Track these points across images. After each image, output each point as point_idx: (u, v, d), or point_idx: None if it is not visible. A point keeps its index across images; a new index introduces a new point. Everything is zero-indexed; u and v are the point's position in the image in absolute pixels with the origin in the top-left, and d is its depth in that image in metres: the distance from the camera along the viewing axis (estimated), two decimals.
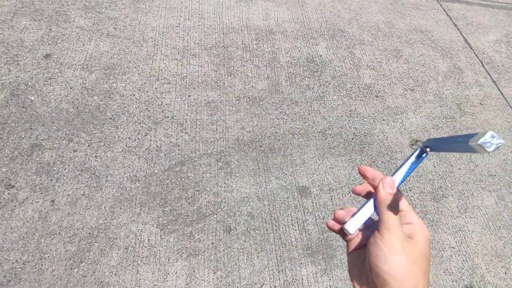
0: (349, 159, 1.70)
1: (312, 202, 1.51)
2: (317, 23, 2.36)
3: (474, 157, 1.86)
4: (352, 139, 1.79)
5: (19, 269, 1.14)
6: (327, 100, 1.93)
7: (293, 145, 1.69)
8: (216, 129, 1.65)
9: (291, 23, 2.30)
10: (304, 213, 1.47)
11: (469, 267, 1.46)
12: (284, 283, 1.28)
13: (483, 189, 1.74)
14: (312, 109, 1.86)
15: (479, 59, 2.44)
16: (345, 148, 1.74)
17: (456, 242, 1.52)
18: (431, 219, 1.58)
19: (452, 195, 1.68)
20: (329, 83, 2.01)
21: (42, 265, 1.16)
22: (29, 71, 1.60)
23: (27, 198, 1.27)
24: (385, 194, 0.34)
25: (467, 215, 1.62)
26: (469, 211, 1.64)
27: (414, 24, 2.59)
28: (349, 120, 1.86)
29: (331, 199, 1.54)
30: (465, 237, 1.55)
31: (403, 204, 0.36)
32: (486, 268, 1.47)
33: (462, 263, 1.46)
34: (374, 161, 1.72)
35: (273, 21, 2.27)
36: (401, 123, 1.93)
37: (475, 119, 2.06)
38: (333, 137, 1.77)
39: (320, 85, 1.99)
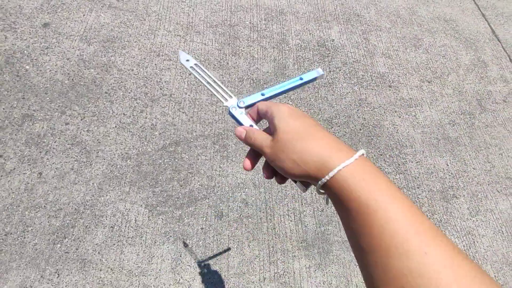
0: None
1: (311, 193, 1.42)
2: (331, 5, 2.21)
3: (491, 158, 1.72)
4: (360, 129, 1.67)
5: (1, 240, 1.10)
6: (336, 87, 1.81)
7: None
8: (215, 111, 1.56)
9: (304, 4, 2.16)
10: (302, 204, 1.39)
11: None
12: (274, 275, 1.21)
13: (499, 192, 1.61)
14: (319, 95, 1.75)
15: (506, 53, 2.25)
16: (352, 138, 1.63)
17: (464, 246, 1.41)
18: (439, 219, 1.47)
19: (464, 195, 1.56)
20: (340, 70, 1.89)
21: (24, 237, 1.12)
22: (26, 39, 1.54)
23: (14, 168, 1.23)
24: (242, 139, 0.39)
25: (479, 218, 1.51)
26: (481, 214, 1.52)
27: (437, 12, 2.40)
28: (358, 110, 1.75)
29: None
30: (474, 242, 1.43)
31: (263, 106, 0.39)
32: (495, 276, 1.36)
33: None
34: (381, 154, 1.61)
35: (284, 1, 2.13)
36: (414, 116, 1.80)
37: (496, 116, 1.90)
38: (339, 126, 1.66)
39: (330, 71, 1.87)
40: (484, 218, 1.50)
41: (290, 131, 0.33)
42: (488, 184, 1.61)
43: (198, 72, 0.43)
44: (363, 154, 0.31)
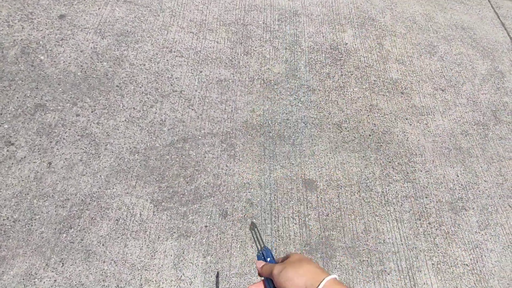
0: (363, 157, 1.57)
1: (317, 197, 1.41)
2: (346, 8, 2.19)
3: (504, 171, 1.68)
4: (369, 135, 1.65)
5: (9, 227, 1.12)
6: (347, 91, 1.79)
7: (305, 134, 1.58)
8: (225, 109, 1.56)
9: (319, 6, 2.14)
10: (307, 208, 1.38)
11: None
12: None
13: (510, 207, 1.56)
14: (330, 99, 1.73)
15: None
16: (360, 144, 1.61)
17: (471, 259, 1.38)
18: (446, 231, 1.44)
19: (474, 208, 1.52)
20: (352, 74, 1.87)
21: (31, 225, 1.14)
22: (41, 30, 1.57)
23: (25, 157, 1.25)
24: (259, 268, 0.55)
25: (488, 232, 1.47)
26: (491, 228, 1.48)
27: (455, 19, 2.36)
28: (368, 115, 1.72)
29: (338, 196, 1.43)
30: (482, 256, 1.40)
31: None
32: None
33: (474, 283, 1.33)
34: (390, 162, 1.59)
35: (299, 2, 2.12)
36: (426, 124, 1.77)
37: (511, 129, 1.85)
38: (348, 131, 1.64)
39: (342, 75, 1.85)
40: (494, 232, 1.47)
41: (293, 261, 0.49)
42: (500, 198, 1.57)
43: (254, 232, 0.62)
44: (335, 278, 0.45)
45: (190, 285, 1.14)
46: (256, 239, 0.61)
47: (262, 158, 1.46)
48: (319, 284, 0.43)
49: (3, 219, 1.13)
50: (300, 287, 0.44)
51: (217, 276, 1.17)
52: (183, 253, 1.19)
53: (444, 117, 1.82)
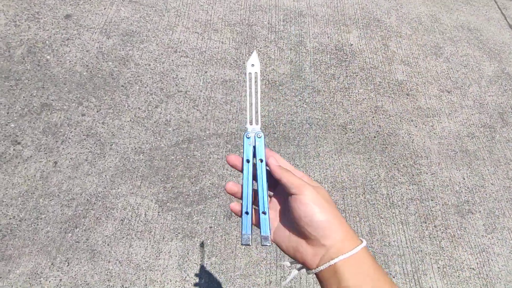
0: (368, 158, 1.56)
1: None
2: (352, 9, 2.18)
3: None
4: (374, 137, 1.64)
5: (16, 226, 1.13)
6: (352, 92, 1.78)
7: (309, 136, 1.57)
8: (230, 110, 1.56)
9: (324, 6, 2.13)
10: None
11: None
12: (280, 279, 1.20)
13: None
14: (335, 100, 1.73)
15: None
16: (365, 146, 1.60)
17: (477, 263, 1.37)
18: (452, 234, 1.43)
19: (480, 211, 1.51)
20: (357, 75, 1.86)
21: (37, 224, 1.14)
22: (48, 30, 1.57)
23: (31, 156, 1.26)
24: (278, 166, 0.39)
25: (495, 235, 1.46)
26: (498, 232, 1.47)
27: (461, 20, 2.34)
28: (373, 117, 1.71)
29: (343, 198, 1.42)
30: (488, 260, 1.39)
31: (288, 166, 0.43)
32: None
33: (481, 287, 1.31)
34: (395, 164, 1.58)
35: (304, 2, 2.11)
36: (432, 126, 1.75)
37: None
38: (353, 132, 1.63)
39: (347, 76, 1.84)
40: (501, 236, 1.45)
41: (319, 196, 0.38)
42: (507, 201, 1.56)
43: (251, 80, 0.42)
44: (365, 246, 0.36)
45: (194, 286, 1.14)
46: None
47: None
48: (350, 250, 0.34)
49: (10, 218, 1.13)
50: (320, 237, 0.34)
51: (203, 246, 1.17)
52: (188, 253, 1.19)
53: (450, 119, 1.80)
